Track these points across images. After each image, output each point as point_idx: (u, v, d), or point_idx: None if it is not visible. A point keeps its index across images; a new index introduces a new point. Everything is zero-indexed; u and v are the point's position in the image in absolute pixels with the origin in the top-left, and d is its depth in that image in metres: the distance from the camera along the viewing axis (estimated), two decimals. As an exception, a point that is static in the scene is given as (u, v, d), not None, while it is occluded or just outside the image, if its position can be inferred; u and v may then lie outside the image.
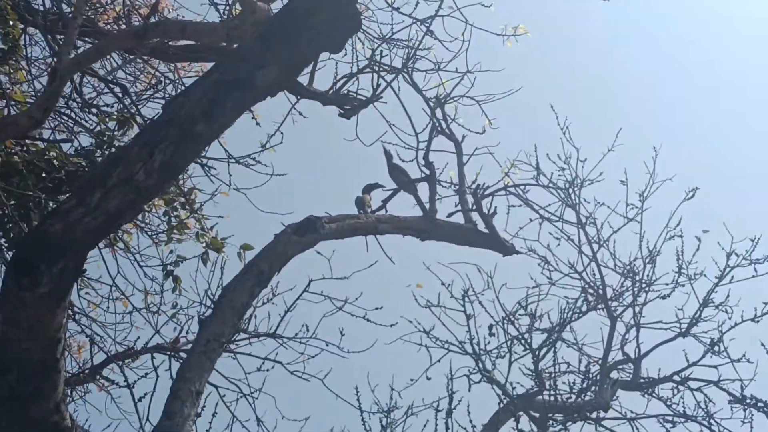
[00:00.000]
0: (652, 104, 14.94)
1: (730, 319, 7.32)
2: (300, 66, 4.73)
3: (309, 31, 4.51)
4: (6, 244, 6.68)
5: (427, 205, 6.74)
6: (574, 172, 7.56)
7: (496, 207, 6.79)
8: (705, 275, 7.49)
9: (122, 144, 6.58)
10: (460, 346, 7.20)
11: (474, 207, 6.77)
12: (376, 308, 6.87)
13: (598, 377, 7.22)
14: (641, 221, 7.61)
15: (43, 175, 6.45)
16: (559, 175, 7.57)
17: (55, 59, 5.68)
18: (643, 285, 7.54)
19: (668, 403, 7.26)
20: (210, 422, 6.07)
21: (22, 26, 6.81)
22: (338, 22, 4.55)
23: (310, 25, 4.52)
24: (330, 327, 6.98)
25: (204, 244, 7.43)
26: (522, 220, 7.43)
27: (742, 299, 7.35)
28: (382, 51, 7.27)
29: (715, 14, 14.94)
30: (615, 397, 7.23)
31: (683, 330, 7.44)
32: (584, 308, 7.50)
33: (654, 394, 7.34)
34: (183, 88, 6.48)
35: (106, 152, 6.77)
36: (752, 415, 6.99)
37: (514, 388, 6.89)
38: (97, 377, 7.68)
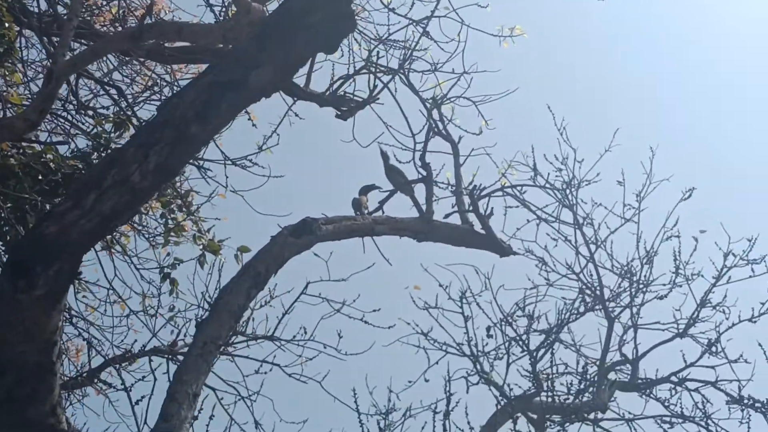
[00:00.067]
0: (648, 104, 14.98)
1: (727, 319, 7.34)
2: (295, 66, 4.73)
3: (304, 32, 4.52)
4: (2, 247, 6.67)
5: (424, 207, 6.74)
6: (571, 172, 7.57)
7: (492, 208, 6.79)
8: (702, 276, 7.50)
9: (118, 146, 6.57)
10: (458, 347, 7.18)
11: (471, 208, 6.77)
12: (374, 310, 6.84)
13: (595, 378, 7.21)
14: (638, 222, 7.62)
15: (40, 177, 6.43)
16: (557, 176, 7.57)
17: (50, 61, 5.66)
18: (641, 286, 7.54)
19: (666, 403, 7.26)
20: (207, 425, 6.05)
21: (17, 28, 6.81)
22: (334, 22, 4.55)
23: (305, 25, 4.52)
24: (328, 329, 6.97)
25: (201, 247, 7.42)
26: (519, 221, 7.45)
27: (739, 299, 7.36)
28: (378, 52, 7.27)
29: (713, 14, 14.97)
30: (613, 398, 7.22)
31: (681, 331, 7.44)
32: (582, 309, 7.48)
33: (652, 395, 7.34)
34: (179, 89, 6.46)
35: (103, 155, 6.75)
36: (750, 415, 7.00)
37: (511, 390, 6.88)
38: (95, 380, 7.67)
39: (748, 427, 6.97)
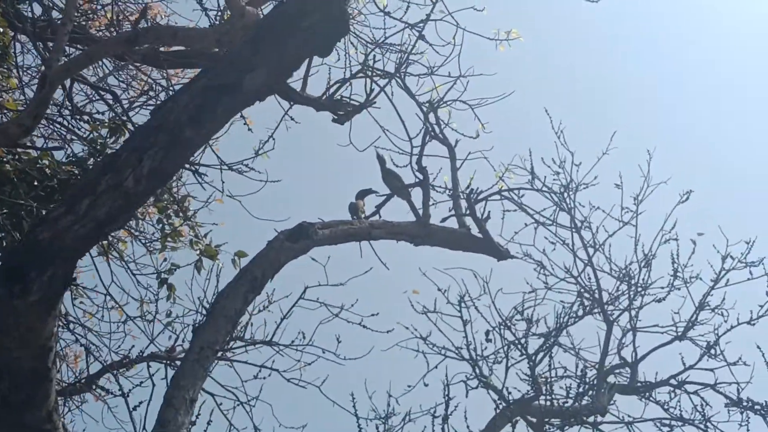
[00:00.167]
0: (646, 107, 14.95)
1: (726, 322, 7.31)
2: (289, 69, 4.72)
3: (298, 34, 4.51)
4: (-1, 253, 6.66)
5: (421, 211, 6.73)
6: (569, 176, 7.55)
7: (489, 211, 6.80)
8: (701, 278, 7.48)
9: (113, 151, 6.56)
10: (457, 351, 7.16)
11: (468, 212, 6.76)
12: (372, 314, 6.83)
13: (595, 382, 7.19)
14: (636, 225, 7.60)
15: (35, 183, 6.43)
16: (554, 180, 7.56)
17: (44, 66, 5.65)
18: (639, 289, 7.52)
19: (665, 406, 7.24)
20: (205, 430, 6.04)
21: (12, 33, 6.80)
22: (328, 25, 4.54)
23: (299, 27, 4.52)
24: (326, 334, 6.95)
25: (198, 252, 7.41)
26: (517, 225, 7.44)
27: (737, 302, 7.34)
28: (375, 56, 7.27)
29: (710, 15, 14.95)
30: (612, 402, 7.21)
31: (679, 333, 7.42)
32: (580, 313, 7.47)
33: (651, 398, 7.32)
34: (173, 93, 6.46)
35: (99, 160, 6.75)
36: (749, 418, 6.97)
37: (509, 393, 6.86)
38: (93, 387, 7.66)
39: (748, 430, 6.95)
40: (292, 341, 7.01)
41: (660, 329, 7.52)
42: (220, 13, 6.65)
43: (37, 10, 7.13)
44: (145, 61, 7.17)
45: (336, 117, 7.00)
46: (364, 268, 6.62)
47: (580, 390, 7.11)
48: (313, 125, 7.82)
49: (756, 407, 7.01)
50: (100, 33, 7.57)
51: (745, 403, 7.04)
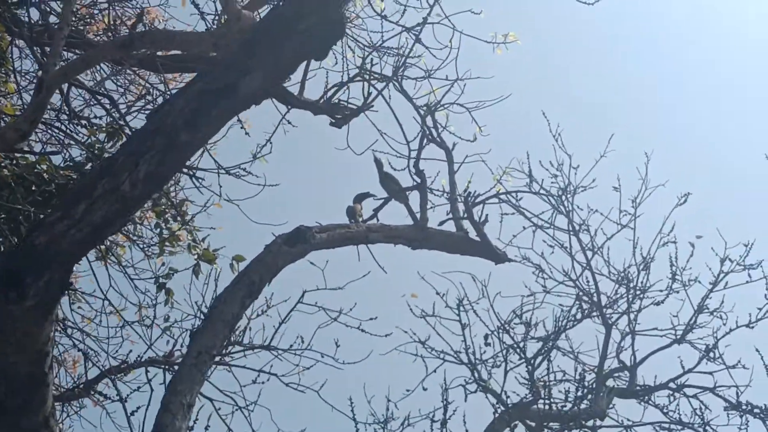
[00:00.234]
0: (643, 109, 14.94)
1: (725, 325, 7.29)
2: (284, 73, 4.74)
3: (294, 38, 4.53)
4: (-4, 258, 6.65)
5: (419, 214, 6.73)
6: (567, 178, 7.54)
7: (487, 215, 6.80)
8: (699, 281, 7.46)
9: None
10: (455, 355, 7.16)
11: (465, 215, 6.76)
12: (371, 318, 6.83)
13: (594, 385, 7.18)
14: (634, 228, 7.58)
15: (33, 188, 6.43)
16: (552, 183, 7.55)
17: (41, 71, 5.65)
18: (638, 292, 7.51)
19: (664, 410, 7.22)
20: (203, 435, 6.04)
21: (9, 38, 6.80)
22: (323, 28, 4.55)
23: (295, 31, 4.53)
24: (325, 338, 6.95)
25: (196, 256, 7.40)
26: (516, 228, 7.42)
27: (736, 305, 7.32)
28: (372, 59, 7.26)
29: (707, 16, 14.95)
30: (611, 405, 7.20)
31: (678, 337, 7.41)
32: (579, 316, 7.46)
33: (650, 402, 7.31)
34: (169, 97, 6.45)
35: (96, 164, 6.75)
36: (748, 421, 6.95)
37: (508, 397, 6.85)
38: (92, 392, 7.65)
39: (746, 433, 6.94)
40: (291, 346, 7.02)
41: (659, 332, 7.51)
42: (217, 18, 6.64)
43: (36, 15, 7.15)
44: (141, 66, 7.17)
45: (333, 120, 6.99)
46: (362, 271, 6.64)
47: (579, 394, 7.09)
48: (310, 129, 7.84)
49: (755, 410, 6.99)
50: (98, 38, 7.57)
51: (744, 407, 7.02)
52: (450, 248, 6.79)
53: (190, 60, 6.52)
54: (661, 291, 7.53)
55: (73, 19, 7.24)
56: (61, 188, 6.49)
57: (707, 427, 7.06)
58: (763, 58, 14.10)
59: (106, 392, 7.57)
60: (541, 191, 7.50)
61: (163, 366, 7.33)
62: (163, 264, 7.48)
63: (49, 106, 6.90)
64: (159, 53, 6.68)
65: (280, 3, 4.91)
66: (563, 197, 7.53)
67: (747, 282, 7.39)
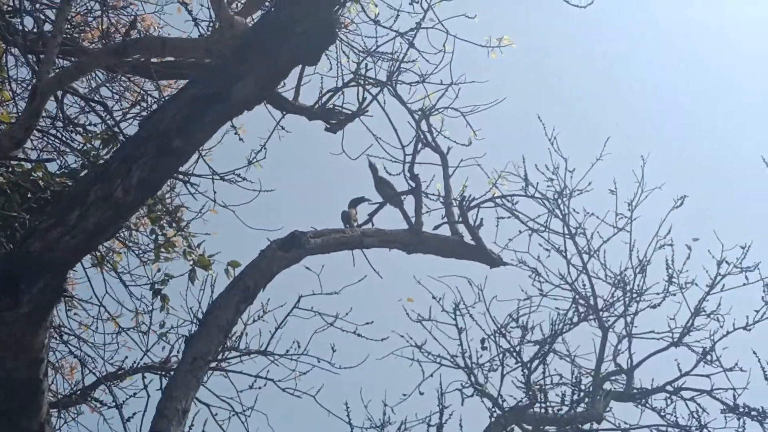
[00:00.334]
0: (639, 112, 14.94)
1: (722, 327, 7.30)
2: (277, 78, 4.75)
3: (286, 43, 4.53)
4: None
5: (414, 219, 6.73)
6: (563, 182, 7.55)
7: (482, 219, 6.80)
8: (696, 284, 7.46)
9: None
10: (452, 359, 7.17)
11: (460, 219, 6.76)
12: (367, 323, 6.82)
13: (590, 389, 7.18)
14: (631, 231, 7.59)
15: (29, 195, 6.42)
16: (548, 186, 7.55)
17: (35, 78, 5.66)
18: (634, 295, 7.51)
19: (662, 413, 7.22)
20: (200, 441, 6.04)
21: (4, 47, 6.81)
22: (315, 34, 4.55)
23: (287, 37, 4.53)
24: (321, 343, 6.95)
25: (191, 262, 7.41)
26: (512, 232, 7.43)
27: (733, 308, 7.32)
28: (366, 64, 7.27)
29: (703, 19, 14.93)
30: (608, 409, 7.20)
31: (675, 339, 7.41)
32: (575, 319, 7.46)
33: (647, 405, 7.31)
34: (161, 103, 6.47)
35: (89, 170, 6.75)
36: (745, 424, 6.95)
37: (504, 401, 6.86)
38: (89, 398, 7.65)
39: (744, 436, 6.94)
40: (287, 351, 7.01)
41: (656, 335, 7.50)
42: (211, 24, 6.66)
43: (30, 24, 7.15)
44: (135, 73, 7.17)
45: (328, 126, 7.02)
46: (358, 276, 6.64)
47: (576, 397, 7.10)
48: (305, 134, 7.85)
49: (752, 413, 6.99)
50: (93, 45, 7.57)
51: (741, 409, 7.02)
52: (445, 252, 6.79)
53: (184, 66, 6.54)
54: (657, 294, 7.53)
55: (68, 26, 7.25)
56: (56, 195, 6.49)
57: (704, 430, 7.06)
58: (760, 60, 14.09)
59: (103, 398, 7.58)
60: (537, 195, 7.52)
61: (159, 372, 7.32)
62: (158, 270, 7.49)
63: (44, 114, 6.91)
64: (153, 60, 6.69)
65: (273, 9, 4.92)
66: (559, 201, 7.54)
67: (744, 284, 7.39)
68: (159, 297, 7.35)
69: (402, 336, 7.19)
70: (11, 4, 7.04)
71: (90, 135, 7.11)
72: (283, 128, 7.35)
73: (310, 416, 7.10)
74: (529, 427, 6.87)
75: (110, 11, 7.61)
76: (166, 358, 7.43)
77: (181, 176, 7.36)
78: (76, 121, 7.39)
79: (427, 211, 6.92)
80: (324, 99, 7.05)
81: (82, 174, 6.77)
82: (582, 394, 7.15)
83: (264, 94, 4.79)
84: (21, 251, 4.44)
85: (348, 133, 7.09)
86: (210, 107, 4.48)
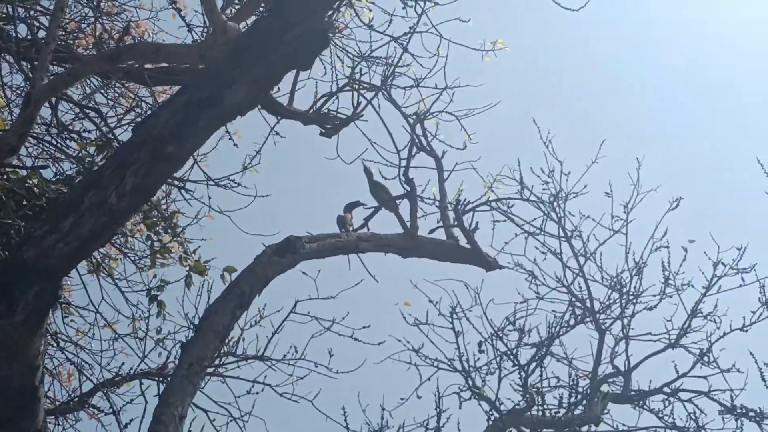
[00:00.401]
0: (635, 115, 14.93)
1: (718, 329, 7.28)
2: (270, 83, 4.76)
3: (278, 48, 4.53)
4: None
5: (409, 223, 6.74)
6: (558, 185, 7.55)
7: (477, 222, 6.81)
8: (692, 286, 7.44)
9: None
10: (449, 363, 7.17)
11: (455, 223, 6.76)
12: (364, 327, 6.84)
13: (588, 391, 7.17)
14: (627, 233, 7.58)
15: (24, 202, 6.42)
16: (544, 189, 7.55)
17: (29, 85, 5.66)
18: (631, 297, 7.50)
19: (659, 415, 7.22)
20: (197, 446, 6.05)
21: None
22: (308, 39, 4.56)
23: (279, 42, 4.53)
24: (318, 347, 6.96)
25: (187, 268, 7.40)
26: (508, 235, 7.43)
27: (730, 309, 7.31)
28: (361, 69, 7.28)
29: (698, 20, 14.92)
30: (606, 411, 7.19)
31: (672, 341, 7.39)
32: (572, 322, 7.46)
33: (645, 407, 7.29)
34: (155, 109, 6.47)
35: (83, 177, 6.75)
36: (743, 424, 6.95)
37: (502, 404, 6.86)
38: (86, 405, 7.65)
39: (741, 437, 6.94)
40: (284, 356, 7.03)
41: (653, 337, 7.49)
42: (205, 30, 6.66)
43: (24, 31, 7.15)
44: (129, 79, 7.18)
45: (323, 130, 7.02)
46: (354, 280, 6.65)
47: (573, 399, 7.10)
48: (300, 139, 7.86)
49: (750, 414, 6.99)
50: (87, 52, 7.57)
51: (739, 410, 7.02)
52: (440, 256, 6.80)
53: (178, 72, 6.55)
54: (654, 296, 7.53)
55: (62, 33, 7.26)
56: (51, 202, 6.48)
57: (702, 431, 7.06)
58: (755, 61, 14.09)
59: (101, 405, 7.58)
60: (533, 198, 7.52)
61: (156, 378, 7.33)
62: (155, 276, 7.48)
63: (39, 121, 6.92)
64: (147, 66, 6.69)
65: (266, 14, 4.92)
66: (555, 204, 7.54)
67: (740, 285, 7.37)
68: (155, 303, 7.35)
69: (399, 340, 7.20)
70: (5, 11, 7.04)
71: (85, 142, 7.10)
72: (278, 133, 7.35)
73: (307, 421, 7.10)
74: (527, 430, 6.87)
75: (104, 18, 7.61)
76: (163, 364, 7.44)
77: (176, 182, 7.36)
78: (70, 127, 7.40)
79: (423, 215, 6.94)
80: (319, 104, 7.05)
81: (77, 181, 6.77)
82: (579, 396, 7.16)
83: (257, 98, 4.77)
84: (16, 258, 4.44)
85: (343, 138, 7.11)
86: (203, 112, 4.48)
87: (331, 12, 4.87)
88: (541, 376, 7.07)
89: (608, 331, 7.45)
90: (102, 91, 7.68)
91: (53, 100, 6.80)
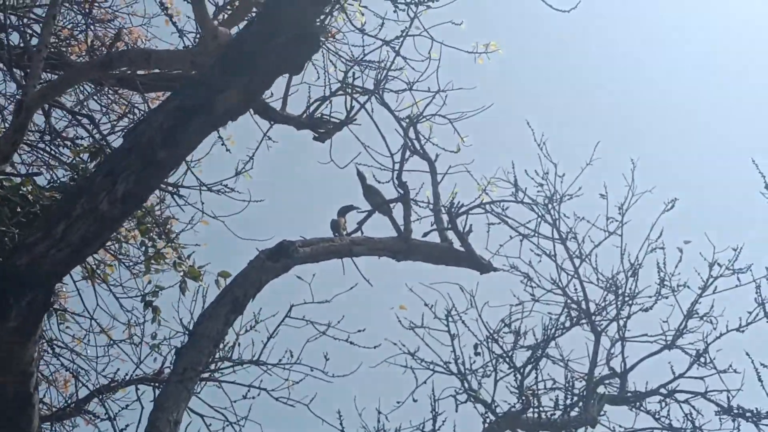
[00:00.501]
0: (629, 116, 14.94)
1: (715, 329, 7.25)
2: (260, 88, 4.75)
3: (269, 53, 4.53)
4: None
5: (403, 226, 6.74)
6: (553, 187, 7.54)
7: (471, 225, 6.80)
8: (688, 286, 7.42)
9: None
10: (445, 366, 7.14)
11: (449, 226, 6.77)
12: (359, 331, 6.83)
13: (584, 393, 7.16)
14: (622, 234, 7.55)
15: (18, 209, 6.43)
16: (538, 191, 7.55)
17: (20, 92, 5.67)
18: (627, 298, 7.48)
19: (656, 416, 7.18)
20: (192, 451, 6.05)
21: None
22: (298, 43, 4.56)
23: (270, 46, 4.53)
24: (314, 352, 6.95)
25: (182, 273, 7.41)
26: (503, 238, 7.42)
27: (726, 309, 7.28)
28: (354, 73, 7.29)
29: (694, 20, 14.97)
30: (602, 413, 7.17)
31: (669, 342, 7.37)
32: (568, 324, 7.44)
33: (641, 408, 7.27)
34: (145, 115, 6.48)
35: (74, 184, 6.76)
36: (740, 425, 6.94)
37: (498, 407, 6.85)
38: (82, 411, 7.66)
39: (738, 437, 6.93)
40: (280, 360, 7.01)
41: (649, 338, 7.46)
42: (197, 36, 6.67)
43: (16, 38, 7.16)
44: (122, 85, 7.20)
45: (317, 135, 7.03)
46: (349, 284, 6.65)
47: (570, 401, 7.09)
48: (293, 144, 7.86)
49: (747, 414, 6.97)
50: (80, 59, 7.58)
51: (736, 411, 7.00)
52: (435, 259, 6.80)
53: (170, 78, 6.55)
54: (650, 297, 7.48)
55: (54, 41, 7.27)
56: (45, 209, 6.49)
57: (699, 432, 7.06)
58: (752, 62, 14.12)
59: (97, 411, 7.59)
60: (527, 200, 7.51)
61: (152, 383, 7.35)
62: (149, 282, 7.49)
63: (33, 128, 6.93)
64: (139, 72, 6.70)
65: (256, 19, 4.92)
66: (549, 206, 7.53)
67: (736, 286, 7.33)
68: (150, 309, 7.35)
69: (395, 343, 7.16)
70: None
71: (78, 148, 7.11)
72: (270, 138, 7.36)
73: (303, 425, 7.10)
74: (524, 433, 6.86)
75: (96, 25, 7.62)
76: (159, 369, 7.45)
77: (170, 188, 7.37)
78: (64, 134, 7.41)
79: (417, 219, 6.95)
80: (312, 108, 7.07)
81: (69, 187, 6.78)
82: (576, 398, 7.13)
83: (249, 103, 4.77)
84: (8, 265, 4.45)
85: (336, 142, 7.12)
86: (194, 118, 4.48)
87: (323, 16, 4.85)
88: (537, 378, 7.04)
89: (604, 333, 7.43)
90: (95, 97, 7.68)
91: (46, 107, 6.81)
